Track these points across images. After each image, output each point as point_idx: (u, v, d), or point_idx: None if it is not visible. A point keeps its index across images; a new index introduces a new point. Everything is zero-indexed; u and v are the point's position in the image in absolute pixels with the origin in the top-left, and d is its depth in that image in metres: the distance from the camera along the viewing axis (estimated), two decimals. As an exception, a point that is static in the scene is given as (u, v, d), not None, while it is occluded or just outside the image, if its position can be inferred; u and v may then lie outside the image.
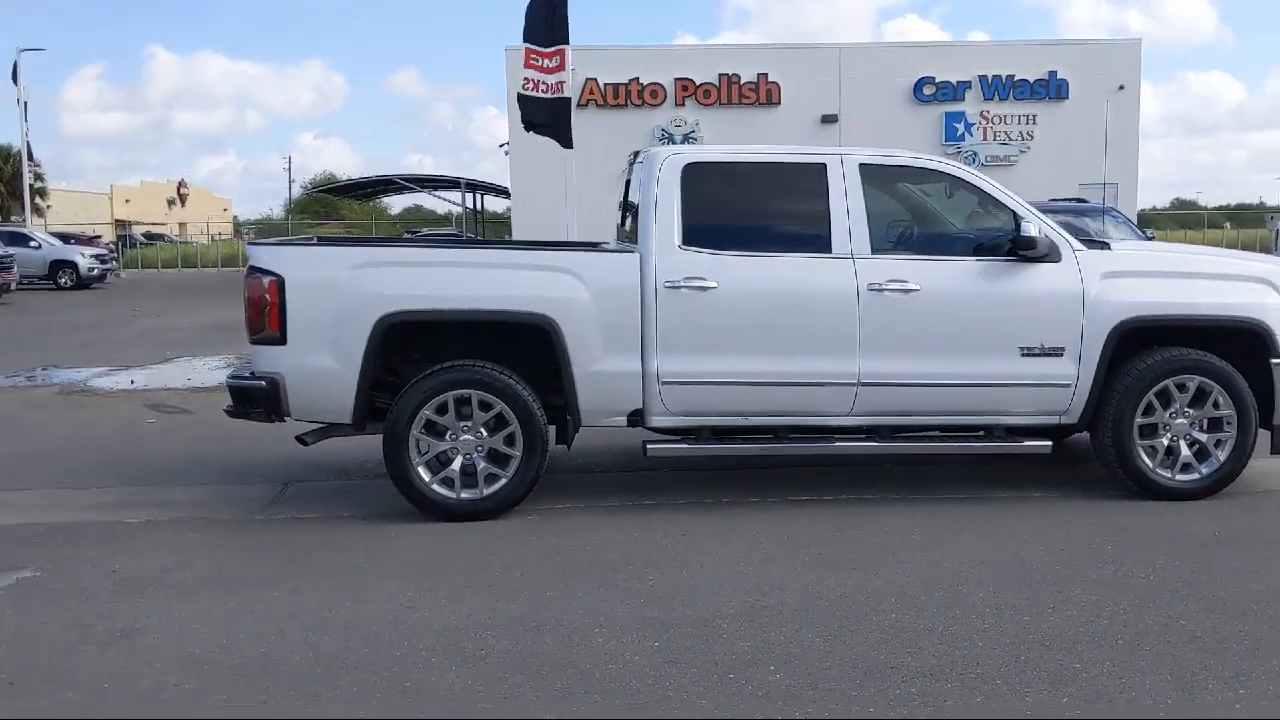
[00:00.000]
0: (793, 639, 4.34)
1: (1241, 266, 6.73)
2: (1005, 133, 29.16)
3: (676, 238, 6.22)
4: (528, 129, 18.60)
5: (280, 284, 6.02)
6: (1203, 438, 6.44)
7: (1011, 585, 4.94)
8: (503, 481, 6.16)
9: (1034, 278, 6.34)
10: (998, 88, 29.19)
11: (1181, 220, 57.86)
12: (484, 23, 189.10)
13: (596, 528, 6.00)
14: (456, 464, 6.16)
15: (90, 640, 4.47)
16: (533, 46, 17.64)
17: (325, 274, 6.12)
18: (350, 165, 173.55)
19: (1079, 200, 19.09)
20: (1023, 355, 6.33)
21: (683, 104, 29.11)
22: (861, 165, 6.41)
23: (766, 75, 29.01)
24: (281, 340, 6.07)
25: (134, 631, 4.55)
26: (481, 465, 6.17)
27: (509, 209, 51.91)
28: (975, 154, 29.09)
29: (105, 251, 36.06)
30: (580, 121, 28.74)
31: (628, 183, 7.21)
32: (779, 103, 29.05)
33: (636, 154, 6.92)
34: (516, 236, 28.34)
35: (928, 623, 4.49)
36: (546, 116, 18.16)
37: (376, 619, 4.66)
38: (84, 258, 32.50)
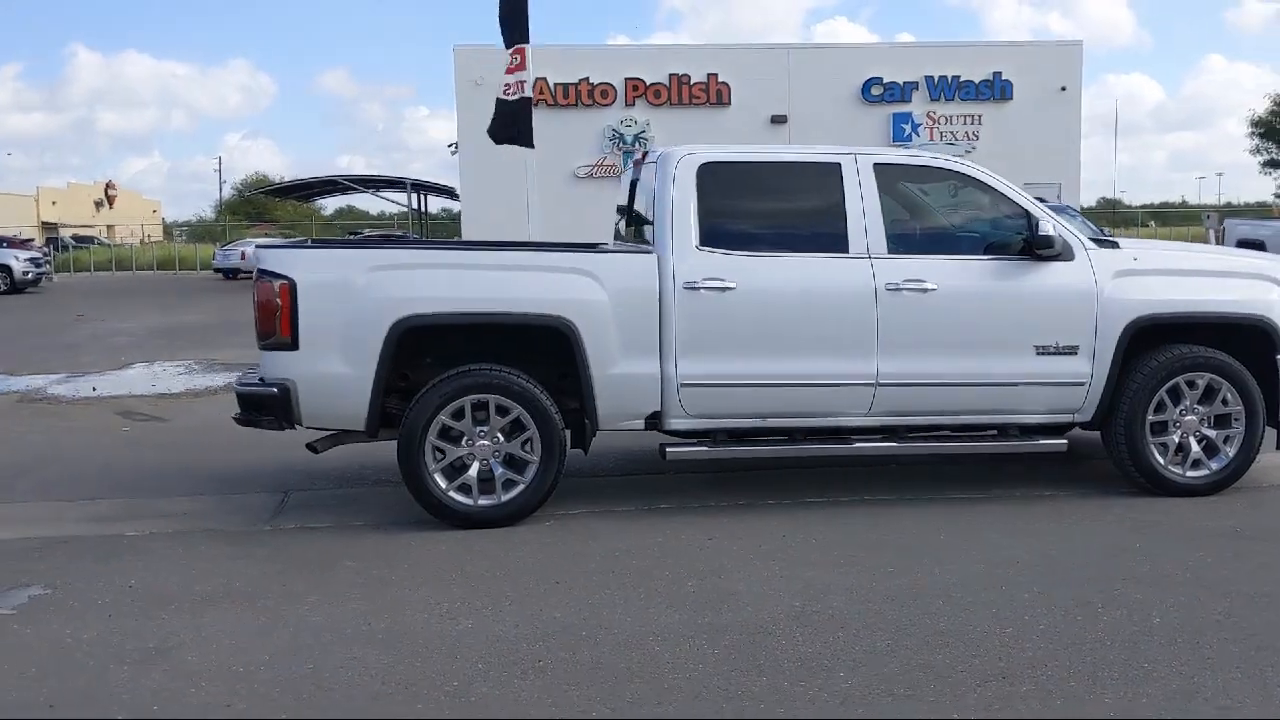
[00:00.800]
0: (853, 643, 4.29)
1: (1244, 264, 6.83)
2: (951, 133, 29.48)
3: (694, 238, 6.15)
4: (495, 139, 18.52)
5: (292, 288, 5.85)
6: (1212, 434, 6.51)
7: (1054, 584, 4.93)
8: (520, 487, 6.05)
9: (1048, 276, 6.36)
10: (944, 88, 29.52)
11: (1111, 219, 58.98)
12: (415, 21, 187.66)
13: (619, 533, 5.91)
14: (474, 470, 6.03)
15: (123, 660, 4.29)
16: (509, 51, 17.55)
17: (339, 277, 5.96)
18: (279, 165, 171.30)
19: (1039, 200, 19.31)
20: (1038, 354, 6.35)
21: (633, 104, 29.06)
22: (876, 165, 6.39)
23: (716, 75, 29.06)
24: (293, 345, 5.89)
25: (168, 649, 4.38)
26: (499, 471, 6.05)
27: (444, 210, 51.70)
28: (922, 154, 29.35)
29: (40, 254, 35.12)
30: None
31: (633, 184, 7.11)
32: (729, 103, 29.11)
33: (645, 155, 6.83)
34: (466, 238, 28.08)
35: (983, 624, 4.46)
36: (507, 117, 18.08)
37: (419, 631, 4.53)
38: (19, 261, 31.58)
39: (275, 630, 4.58)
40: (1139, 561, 5.27)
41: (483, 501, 6.04)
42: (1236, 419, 6.48)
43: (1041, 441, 6.52)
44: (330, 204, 68.26)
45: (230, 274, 41.20)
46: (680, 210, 6.18)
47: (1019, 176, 28.29)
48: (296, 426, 6.09)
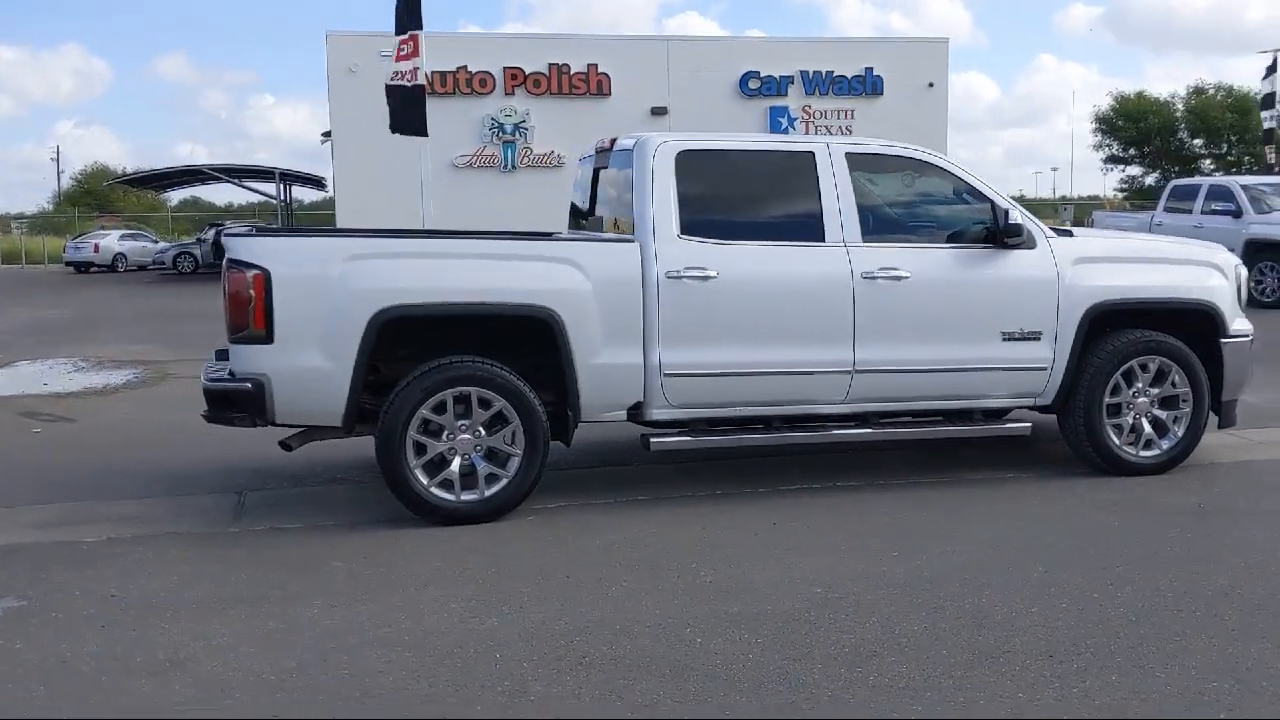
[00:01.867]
0: (890, 628, 4.32)
1: (1188, 251, 7.13)
2: (826, 127, 29.96)
3: (675, 227, 6.11)
4: (395, 130, 18.12)
5: (266, 278, 5.59)
6: (1162, 415, 6.78)
7: (1057, 565, 5.06)
8: (504, 481, 5.92)
9: (1013, 265, 6.52)
10: (818, 83, 30.03)
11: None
12: (258, 5, 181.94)
13: (608, 525, 5.83)
14: (455, 465, 5.88)
15: (137, 672, 4.04)
16: (400, 38, 17.16)
17: (315, 267, 5.73)
18: (117, 154, 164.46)
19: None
20: (1004, 340, 6.51)
21: (512, 93, 28.73)
22: (847, 153, 6.45)
23: (596, 66, 28.95)
24: (267, 339, 5.64)
25: (182, 660, 4.14)
26: (481, 465, 5.91)
27: (299, 201, 50.21)
28: (798, 147, 29.88)
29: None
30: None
31: (596, 172, 7.03)
32: (609, 94, 29.03)
33: (612, 142, 6.75)
34: (341, 227, 27.42)
35: (1007, 605, 4.55)
36: (399, 105, 17.71)
37: (447, 631, 4.39)
38: None
39: (291, 635, 4.38)
40: (1126, 540, 5.45)
41: (466, 497, 5.89)
42: (1184, 400, 6.76)
43: (1009, 425, 6.72)
44: (175, 195, 65.61)
45: (83, 268, 39.44)
46: (661, 198, 6.13)
47: None
48: (270, 424, 5.84)
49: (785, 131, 29.76)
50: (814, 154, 6.41)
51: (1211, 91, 51.84)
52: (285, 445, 6.17)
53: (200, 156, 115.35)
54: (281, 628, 4.47)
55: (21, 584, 5.02)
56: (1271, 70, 43.64)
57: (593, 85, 29.03)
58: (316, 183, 43.77)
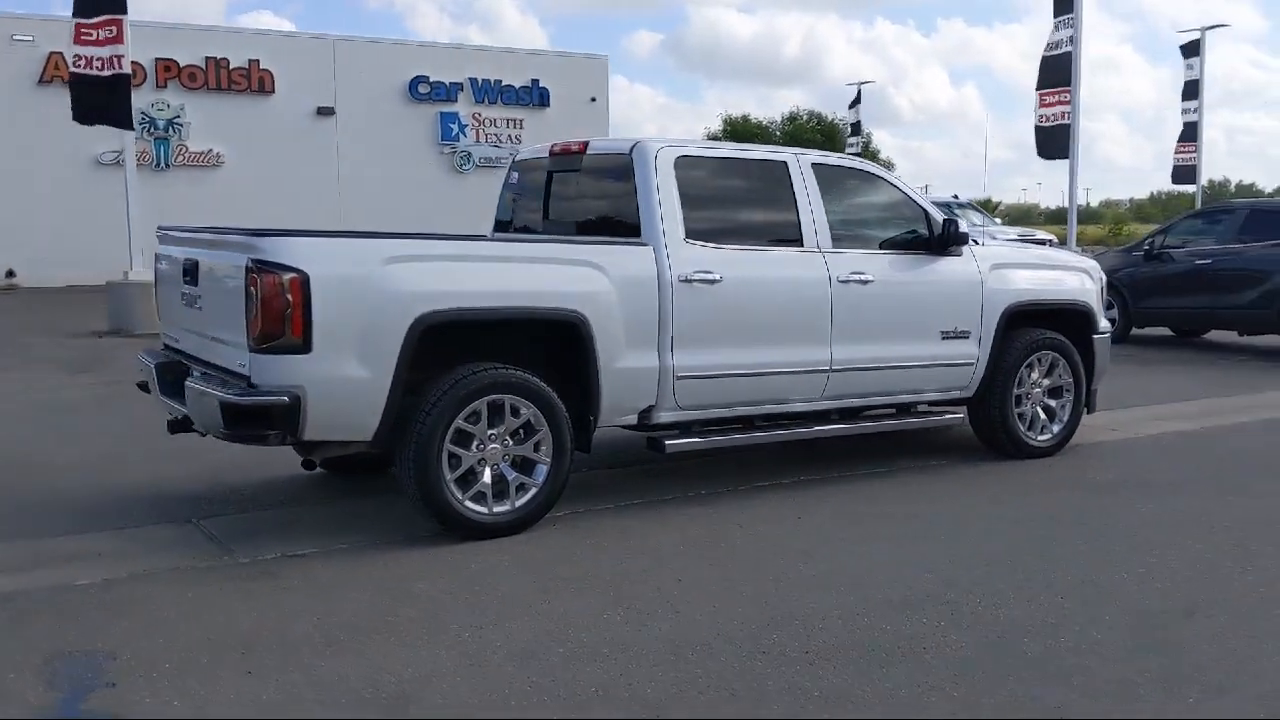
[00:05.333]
0: (993, 624, 4.70)
1: (1066, 258, 8.11)
2: (496, 135, 30.22)
3: (681, 231, 6.20)
4: (82, 120, 16.32)
5: (304, 281, 5.11)
6: (1052, 403, 7.68)
7: (1077, 540, 5.64)
8: (533, 491, 5.76)
9: (947, 269, 7.16)
10: (488, 91, 30.18)
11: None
12: None
13: (638, 530, 5.79)
14: (487, 476, 5.64)
15: (369, 704, 3.67)
16: (82, 21, 15.53)
17: (354, 269, 5.30)
18: None
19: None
20: (943, 338, 7.13)
21: (165, 86, 26.61)
22: (813, 164, 6.81)
23: (258, 62, 27.46)
24: (304, 348, 5.15)
25: (412, 694, 3.79)
26: (512, 475, 5.71)
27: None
28: (470, 155, 29.89)
29: None
30: (40, 100, 25.46)
31: (549, 175, 6.95)
32: (273, 91, 27.64)
33: (584, 144, 6.71)
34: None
35: (1075, 577, 5.04)
36: (101, 97, 16.06)
37: (629, 641, 4.28)
38: None
39: (483, 654, 4.11)
40: (1094, 515, 6.14)
41: (498, 509, 5.67)
42: (1068, 389, 7.70)
43: (947, 416, 7.35)
44: None
45: None
46: (668, 202, 6.18)
47: None
48: (298, 441, 5.34)
49: (456, 139, 29.74)
50: (786, 163, 6.71)
51: (805, 119, 57.05)
52: (309, 464, 5.65)
53: None
54: (460, 646, 4.18)
55: (80, 636, 4.32)
56: (856, 101, 48.52)
57: (254, 82, 27.54)
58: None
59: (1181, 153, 33.24)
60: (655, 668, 4.02)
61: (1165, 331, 14.82)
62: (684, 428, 6.39)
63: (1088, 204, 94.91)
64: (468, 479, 5.60)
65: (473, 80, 29.97)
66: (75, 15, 15.77)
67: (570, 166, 6.83)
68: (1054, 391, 7.68)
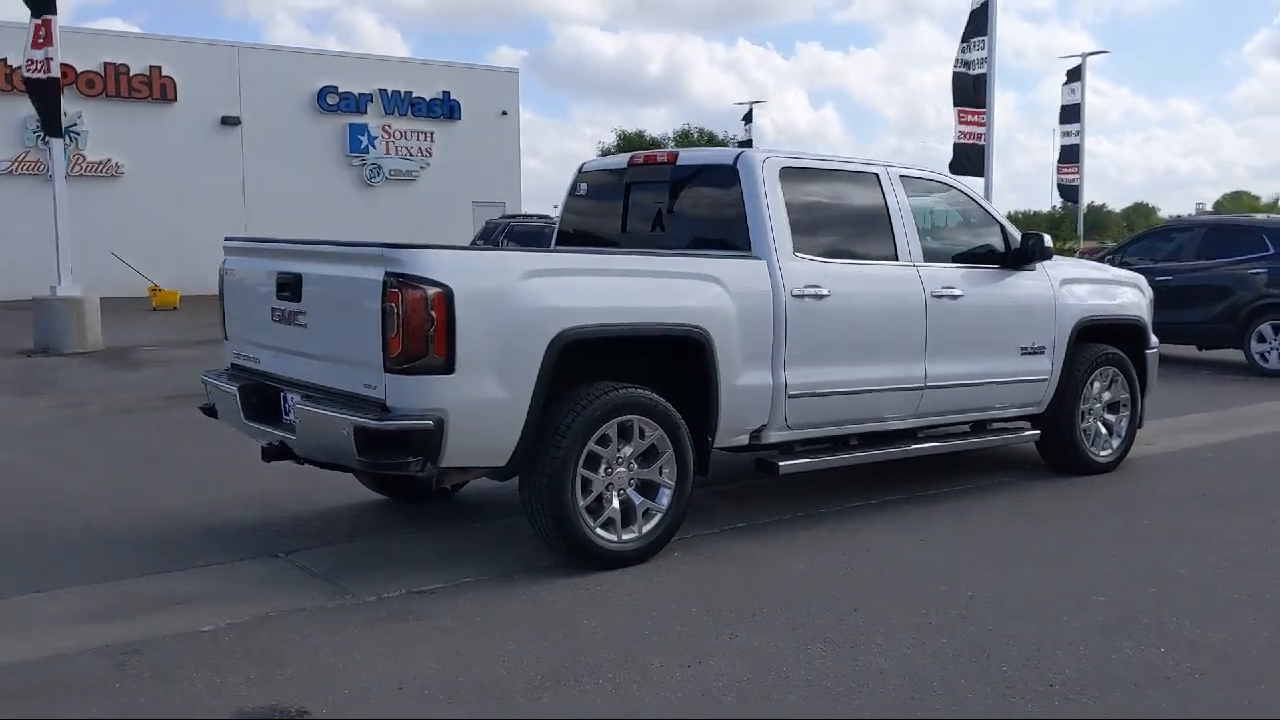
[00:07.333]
0: (1215, 646, 4.60)
1: (1121, 274, 8.12)
2: (406, 148, 29.58)
3: (790, 244, 5.97)
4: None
5: (448, 297, 4.72)
6: (1111, 419, 7.68)
7: (1204, 563, 5.58)
8: (659, 517, 5.46)
9: (1023, 284, 7.08)
10: (398, 103, 29.52)
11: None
12: None
13: (765, 556, 5.53)
14: (616, 502, 5.32)
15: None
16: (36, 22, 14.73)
17: (495, 284, 4.93)
18: None
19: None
20: (1022, 354, 7.05)
21: (61, 92, 25.26)
22: (901, 176, 6.67)
23: (160, 69, 26.31)
24: (448, 368, 4.76)
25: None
26: (638, 501, 5.41)
27: None
28: (380, 166, 29.18)
29: None
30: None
31: (628, 188, 6.66)
32: (175, 99, 26.52)
33: (672, 156, 6.45)
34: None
35: (1237, 610, 4.97)
36: (34, 97, 15.22)
37: (791, 680, 4.04)
38: None
39: (718, 694, 3.81)
40: (1203, 531, 6.11)
41: (625, 536, 5.35)
42: (1124, 405, 7.71)
43: (1022, 435, 7.27)
44: None
45: None
46: (777, 214, 5.95)
47: (469, 194, 30.13)
48: (435, 468, 4.93)
49: (365, 151, 29.03)
50: (878, 175, 6.55)
51: (695, 135, 57.44)
52: (444, 490, 5.24)
53: None
54: (703, 688, 3.86)
55: (250, 689, 3.87)
56: (749, 119, 49.10)
57: (156, 89, 26.44)
58: None
59: (1065, 173, 34.58)
60: (905, 705, 3.78)
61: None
62: (786, 448, 6.16)
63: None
64: (595, 505, 5.27)
65: (383, 91, 29.28)
66: (34, 15, 14.90)
67: (656, 178, 6.54)
68: (1112, 407, 7.68)
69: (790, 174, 6.14)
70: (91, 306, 14.82)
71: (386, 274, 4.74)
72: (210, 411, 6.04)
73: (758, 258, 5.88)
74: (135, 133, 25.95)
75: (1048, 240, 7.02)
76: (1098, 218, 78.64)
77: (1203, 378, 12.81)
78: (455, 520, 6.24)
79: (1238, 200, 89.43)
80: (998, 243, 7.05)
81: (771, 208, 5.95)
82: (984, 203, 7.16)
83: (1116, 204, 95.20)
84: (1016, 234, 7.06)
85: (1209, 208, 65.44)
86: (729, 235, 6.04)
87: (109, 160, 25.81)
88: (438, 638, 4.41)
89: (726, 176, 6.09)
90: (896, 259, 6.46)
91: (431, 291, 4.70)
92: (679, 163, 6.43)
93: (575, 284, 5.19)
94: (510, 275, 4.99)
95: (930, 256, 6.67)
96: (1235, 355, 13.55)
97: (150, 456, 8.05)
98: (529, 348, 4.96)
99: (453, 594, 4.96)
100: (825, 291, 6.01)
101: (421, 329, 4.70)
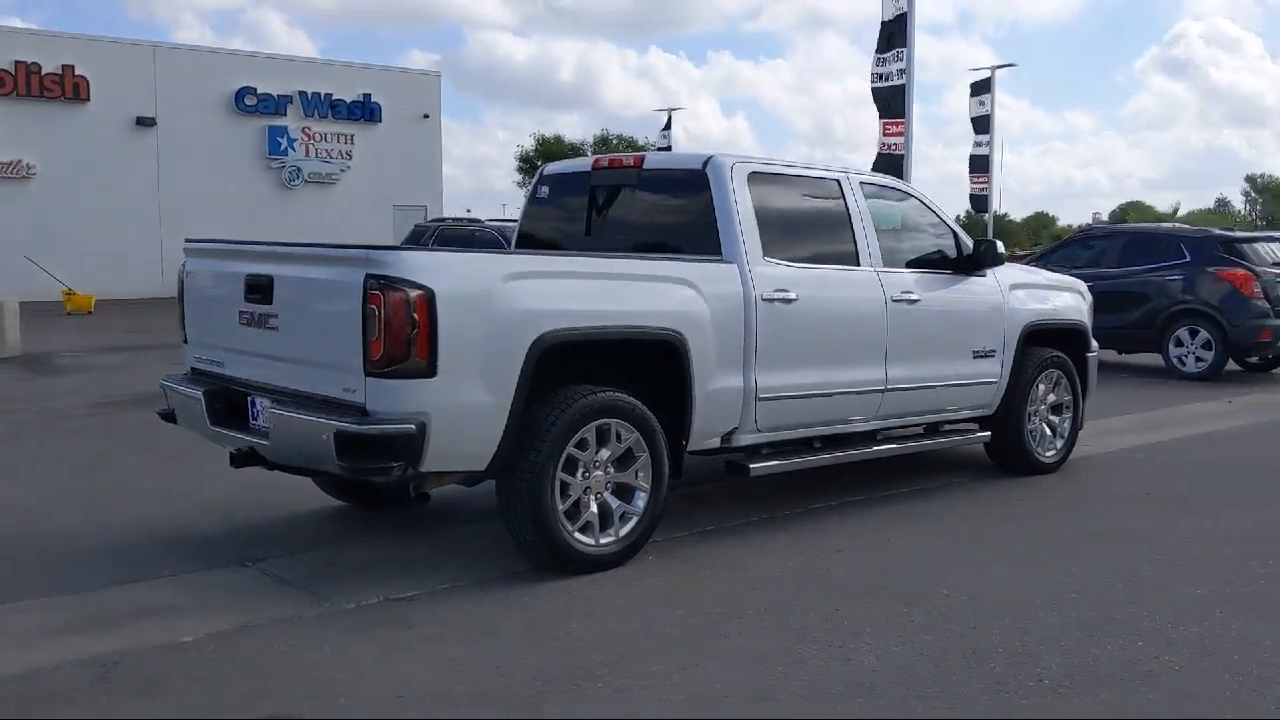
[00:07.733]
0: (1193, 643, 4.76)
1: (1062, 279, 8.33)
2: (327, 150, 29.17)
3: (759, 249, 6.03)
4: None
5: (429, 299, 4.68)
6: (1054, 420, 7.88)
7: (1163, 561, 5.73)
8: (635, 520, 5.48)
9: (977, 288, 7.23)
10: (318, 105, 29.09)
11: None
12: None
13: (739, 559, 5.56)
14: (593, 506, 5.33)
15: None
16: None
17: (477, 286, 4.90)
18: None
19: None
20: (974, 357, 7.20)
21: (-34, 91, 24.49)
22: (861, 182, 6.78)
23: (73, 68, 25.59)
24: (430, 372, 4.72)
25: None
26: (616, 504, 5.42)
27: None
28: (299, 169, 28.73)
29: None
30: None
31: (593, 189, 6.66)
32: (88, 99, 25.81)
33: (639, 159, 6.46)
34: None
35: (1205, 607, 5.06)
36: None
37: (789, 681, 4.10)
38: None
39: (717, 698, 3.84)
40: (1156, 530, 6.30)
41: (603, 540, 5.36)
42: (1067, 407, 7.92)
43: (973, 436, 7.42)
44: None
45: None
46: (747, 218, 6.01)
47: (390, 197, 29.89)
48: (417, 473, 4.88)
49: (285, 153, 28.56)
50: (839, 181, 6.65)
51: (614, 141, 57.57)
52: (423, 497, 5.17)
53: None
54: (705, 691, 3.88)
55: (246, 703, 3.80)
56: (668, 126, 49.38)
57: (68, 89, 25.73)
58: None
59: (976, 183, 35.28)
60: (905, 704, 3.84)
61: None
62: (754, 451, 6.21)
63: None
64: (573, 510, 5.26)
65: (302, 93, 28.85)
66: None
67: (621, 181, 6.55)
68: (1056, 409, 7.88)
69: (758, 178, 6.20)
70: (10, 310, 14.38)
71: (367, 276, 4.68)
72: (169, 417, 5.90)
73: (729, 261, 5.93)
74: (47, 133, 25.22)
75: (1000, 246, 7.18)
76: (1001, 226, 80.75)
77: (1125, 380, 13.19)
78: (416, 527, 6.18)
79: (1140, 210, 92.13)
80: (951, 248, 7.20)
81: (741, 212, 6.00)
82: (938, 209, 7.30)
83: (1018, 214, 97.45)
84: (969, 240, 7.22)
85: (1104, 217, 67.55)
86: (697, 239, 6.06)
87: (19, 161, 25.03)
88: (427, 645, 4.37)
89: (695, 181, 6.12)
90: (858, 264, 6.56)
91: (414, 294, 4.66)
92: (645, 166, 6.45)
93: (556, 287, 5.18)
94: (492, 278, 4.97)
95: (889, 261, 6.78)
96: (1154, 359, 13.97)
97: (95, 465, 7.83)
98: (511, 350, 4.94)
99: (432, 601, 4.91)
100: (793, 295, 6.07)
101: (403, 332, 4.65)
